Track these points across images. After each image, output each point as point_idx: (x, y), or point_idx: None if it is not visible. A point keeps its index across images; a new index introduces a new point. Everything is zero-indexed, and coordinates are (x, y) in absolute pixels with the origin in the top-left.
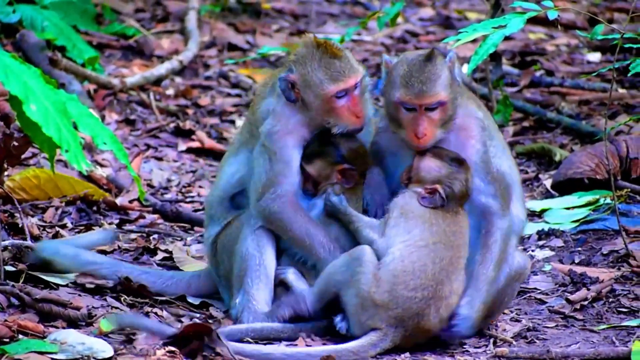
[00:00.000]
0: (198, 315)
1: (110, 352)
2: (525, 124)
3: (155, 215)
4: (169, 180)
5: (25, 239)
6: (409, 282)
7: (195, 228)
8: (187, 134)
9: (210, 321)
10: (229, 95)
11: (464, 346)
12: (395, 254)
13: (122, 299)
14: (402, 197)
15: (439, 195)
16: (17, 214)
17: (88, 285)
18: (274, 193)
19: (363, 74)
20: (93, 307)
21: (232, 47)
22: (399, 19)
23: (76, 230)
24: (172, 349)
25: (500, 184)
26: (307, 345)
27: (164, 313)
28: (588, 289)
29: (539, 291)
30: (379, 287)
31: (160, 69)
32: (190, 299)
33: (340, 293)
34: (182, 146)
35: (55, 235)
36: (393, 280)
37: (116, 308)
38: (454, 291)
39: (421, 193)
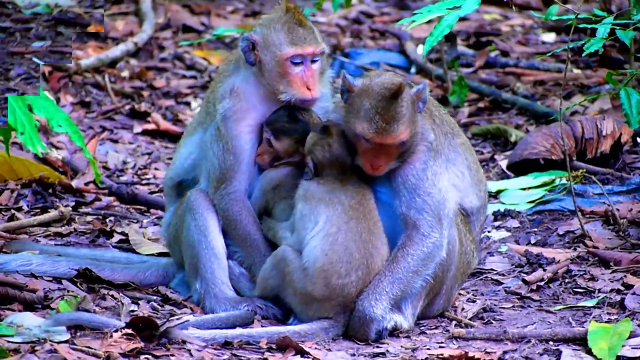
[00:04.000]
0: (155, 298)
1: (66, 335)
2: (481, 104)
3: (111, 198)
4: (124, 163)
5: None
6: (340, 270)
7: (152, 210)
8: (143, 116)
9: (166, 305)
10: (184, 77)
11: (421, 327)
12: (316, 250)
13: (78, 282)
14: (301, 187)
15: (307, 165)
16: None
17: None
18: (224, 190)
19: (324, 50)
20: (50, 289)
21: (187, 28)
22: (354, 0)
23: (32, 212)
24: (130, 331)
25: (432, 200)
26: (262, 326)
27: (120, 295)
28: (544, 270)
29: (495, 272)
30: (314, 284)
31: (115, 51)
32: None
33: (280, 296)
34: (138, 128)
35: (11, 218)
36: (325, 275)
37: (72, 292)
38: (383, 257)
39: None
